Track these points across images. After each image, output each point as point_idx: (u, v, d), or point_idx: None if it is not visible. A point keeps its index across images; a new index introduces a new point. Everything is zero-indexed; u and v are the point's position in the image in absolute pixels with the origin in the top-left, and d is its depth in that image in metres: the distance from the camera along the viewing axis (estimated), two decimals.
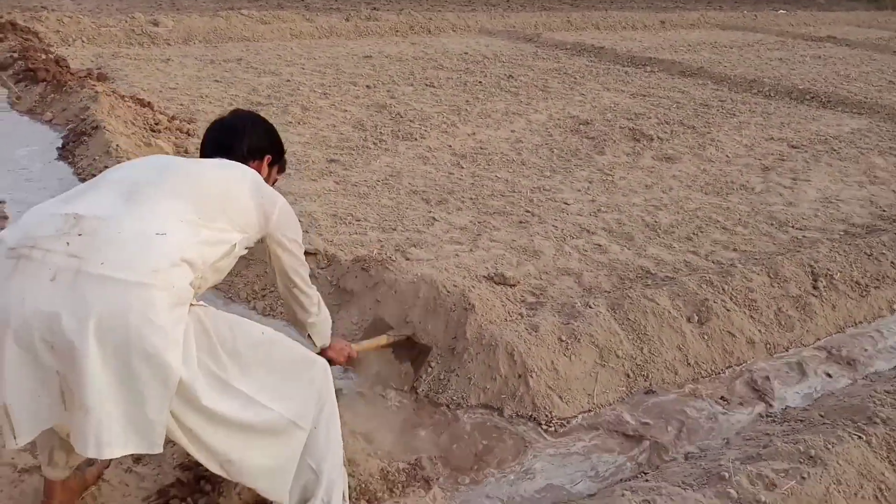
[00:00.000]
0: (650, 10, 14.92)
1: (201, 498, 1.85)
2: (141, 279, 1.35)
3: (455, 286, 2.75)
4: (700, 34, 12.55)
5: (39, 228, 1.40)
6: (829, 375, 2.88)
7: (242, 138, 1.91)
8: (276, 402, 1.56)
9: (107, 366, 1.31)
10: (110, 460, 2.03)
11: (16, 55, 6.88)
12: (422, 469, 2.11)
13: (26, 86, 6.11)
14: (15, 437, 1.35)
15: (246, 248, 1.74)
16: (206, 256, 1.54)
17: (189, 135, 5.14)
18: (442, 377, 2.55)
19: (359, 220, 3.77)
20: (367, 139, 5.32)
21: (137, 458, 2.02)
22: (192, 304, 1.47)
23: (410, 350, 2.61)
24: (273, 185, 1.98)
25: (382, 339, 2.53)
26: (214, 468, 1.49)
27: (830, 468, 2.06)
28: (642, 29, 12.80)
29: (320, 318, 1.99)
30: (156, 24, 9.30)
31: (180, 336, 1.38)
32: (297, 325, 2.00)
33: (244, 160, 1.87)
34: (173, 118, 5.41)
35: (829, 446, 2.13)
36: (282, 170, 2.09)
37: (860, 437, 2.21)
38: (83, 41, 8.30)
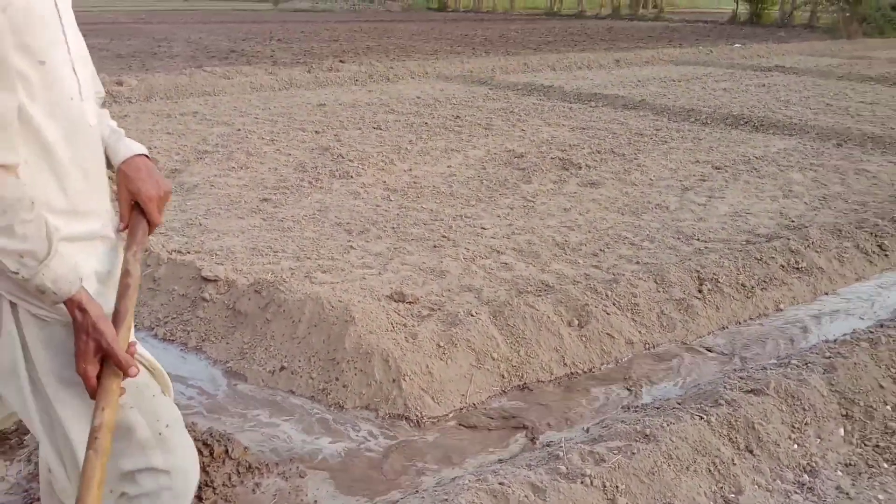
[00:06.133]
0: (608, 51, 15.42)
1: None
2: None
3: (340, 301, 2.93)
4: (652, 70, 12.98)
5: None
6: (700, 369, 3.04)
7: None
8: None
9: None
10: None
11: None
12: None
13: None
14: None
15: None
16: None
17: None
18: (321, 387, 2.70)
19: (276, 252, 3.95)
20: (304, 179, 5.55)
21: None
22: None
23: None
24: None
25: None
26: None
27: (662, 444, 2.20)
28: (597, 68, 13.23)
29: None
30: (119, 83, 9.64)
31: None
32: None
33: None
34: None
35: (666, 425, 2.28)
36: None
37: (701, 418, 2.36)
38: None
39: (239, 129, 7.21)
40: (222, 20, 25.03)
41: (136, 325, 3.24)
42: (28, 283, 1.21)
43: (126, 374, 1.29)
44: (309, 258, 3.87)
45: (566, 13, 37.49)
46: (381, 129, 7.52)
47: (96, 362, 1.27)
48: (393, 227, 4.53)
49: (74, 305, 1.25)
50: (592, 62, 13.58)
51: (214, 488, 2.12)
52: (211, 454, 2.21)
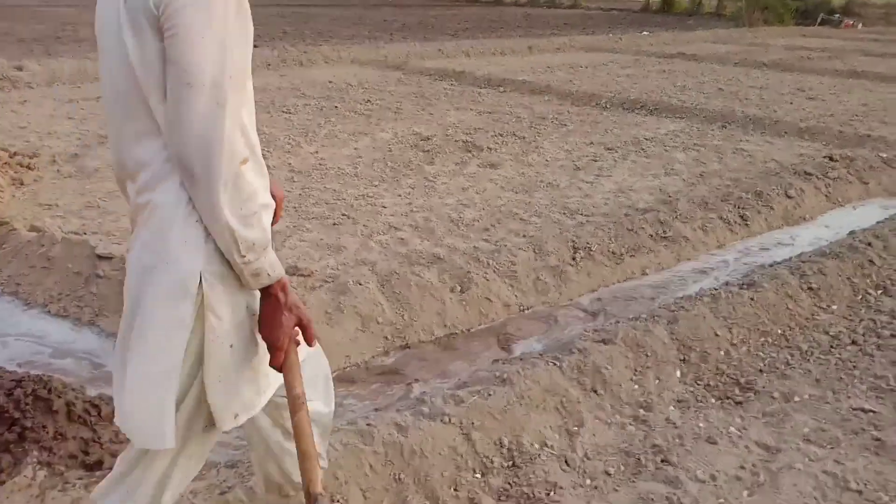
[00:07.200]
0: (522, 38, 15.81)
1: None
2: None
3: None
4: (563, 57, 13.41)
5: None
6: (567, 326, 3.35)
7: None
8: None
9: None
10: None
11: None
12: None
13: None
14: None
15: None
16: None
17: (30, 168, 5.32)
18: None
19: None
20: None
21: None
22: None
23: None
24: None
25: None
26: None
27: (517, 387, 2.49)
28: (510, 54, 13.56)
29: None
30: (19, 68, 9.34)
31: None
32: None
33: None
34: (15, 154, 5.56)
35: (521, 370, 2.57)
36: None
37: (554, 364, 2.66)
38: None
39: None
40: None
41: (28, 303, 3.32)
42: (249, 266, 1.31)
43: (310, 345, 1.46)
44: None
45: (486, 0, 37.87)
46: (289, 112, 7.61)
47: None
48: (294, 207, 4.69)
49: (280, 287, 1.37)
50: (506, 48, 13.90)
51: (101, 444, 2.27)
52: (99, 414, 2.35)
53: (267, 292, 1.38)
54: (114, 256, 3.37)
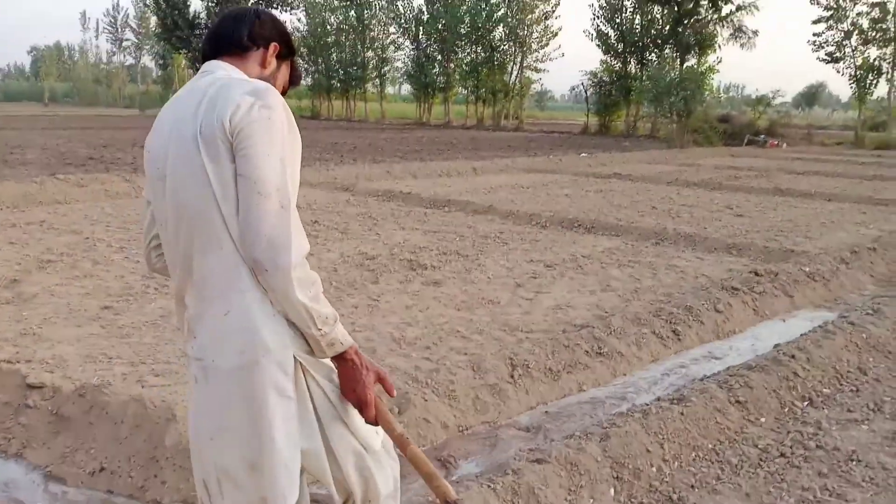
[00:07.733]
0: (467, 160, 16.52)
1: None
2: None
3: (163, 401, 3.06)
4: (506, 178, 14.03)
5: None
6: (506, 446, 3.37)
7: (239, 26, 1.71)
8: None
9: None
10: None
11: None
12: None
13: None
14: None
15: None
16: None
17: None
18: (140, 484, 2.80)
19: (110, 358, 4.00)
20: (150, 286, 5.61)
21: None
22: None
23: None
24: (283, 91, 1.78)
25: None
26: None
27: None
28: (456, 176, 14.14)
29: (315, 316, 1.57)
30: None
31: None
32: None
33: (242, 50, 1.70)
34: None
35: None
36: (293, 75, 1.84)
37: (488, 486, 2.66)
38: None
39: (87, 238, 7.17)
40: (84, 126, 24.57)
41: None
42: (325, 337, 1.58)
43: (392, 395, 1.75)
44: (144, 363, 3.94)
45: (434, 122, 39.66)
46: None
47: None
48: None
49: (353, 351, 1.64)
50: (452, 170, 14.50)
51: None
52: None
53: (343, 358, 1.64)
54: (45, 385, 3.30)
